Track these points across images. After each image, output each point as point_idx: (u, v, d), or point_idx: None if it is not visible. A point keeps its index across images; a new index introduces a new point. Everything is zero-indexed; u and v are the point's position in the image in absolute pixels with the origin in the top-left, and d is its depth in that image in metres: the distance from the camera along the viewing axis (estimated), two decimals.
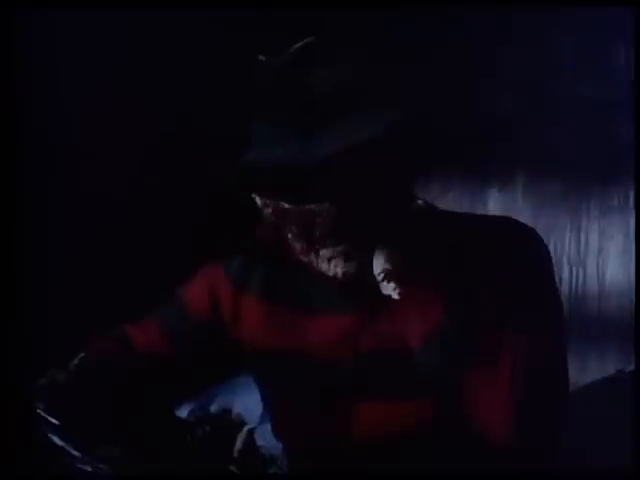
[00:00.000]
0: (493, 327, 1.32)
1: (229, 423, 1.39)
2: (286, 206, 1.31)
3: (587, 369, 2.39)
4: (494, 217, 1.53)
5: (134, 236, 2.41)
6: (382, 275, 1.32)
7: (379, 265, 1.33)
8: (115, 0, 2.31)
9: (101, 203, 2.39)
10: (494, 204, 2.54)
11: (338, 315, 1.44)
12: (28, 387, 1.42)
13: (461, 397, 1.31)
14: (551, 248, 2.35)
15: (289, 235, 1.35)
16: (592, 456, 1.88)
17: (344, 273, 1.34)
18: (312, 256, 1.35)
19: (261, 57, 1.34)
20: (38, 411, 1.35)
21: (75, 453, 1.32)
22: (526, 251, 1.40)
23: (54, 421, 1.34)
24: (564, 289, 2.42)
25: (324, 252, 1.34)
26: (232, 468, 1.35)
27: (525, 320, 1.34)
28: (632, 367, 2.13)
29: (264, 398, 1.52)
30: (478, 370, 1.30)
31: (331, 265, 1.34)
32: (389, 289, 1.33)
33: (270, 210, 1.35)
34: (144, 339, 1.56)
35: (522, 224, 1.45)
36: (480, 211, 2.51)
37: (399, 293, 1.32)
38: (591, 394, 2.21)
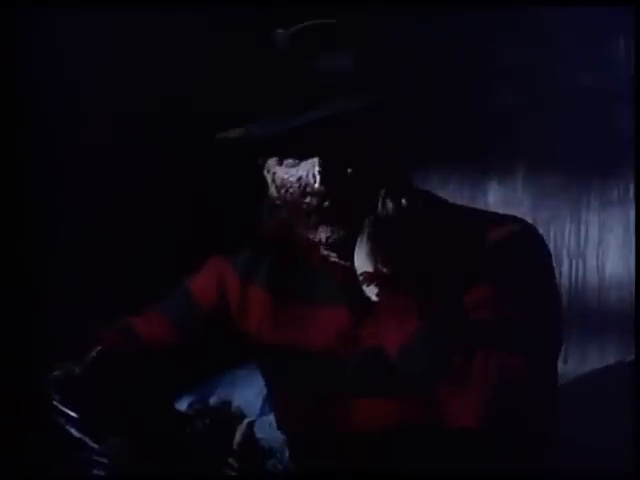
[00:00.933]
0: (470, 335, 1.32)
1: (229, 416, 1.39)
2: (284, 175, 1.38)
3: (587, 361, 2.39)
4: (495, 214, 1.52)
5: (138, 230, 2.42)
6: (362, 277, 1.35)
7: (360, 266, 1.35)
8: (115, 0, 2.31)
9: (105, 197, 2.39)
10: (494, 196, 2.53)
11: (337, 308, 1.45)
12: (29, 383, 1.42)
13: (437, 399, 1.32)
14: (551, 240, 2.37)
15: (285, 206, 1.41)
16: (591, 448, 1.88)
17: (327, 238, 1.38)
18: (303, 225, 1.40)
19: (279, 31, 1.41)
20: (54, 403, 1.35)
21: (93, 445, 1.32)
22: (526, 252, 1.41)
23: (72, 414, 1.34)
24: (564, 282, 2.42)
25: (312, 219, 1.38)
26: (231, 461, 1.36)
27: (518, 322, 1.34)
28: (632, 359, 2.13)
29: (268, 389, 1.53)
30: (453, 378, 1.30)
31: (317, 231, 1.38)
32: (369, 291, 1.35)
33: (274, 187, 1.41)
34: (150, 330, 1.57)
35: (524, 222, 1.45)
36: (480, 203, 2.51)
37: (377, 295, 1.33)
38: (591, 386, 2.21)
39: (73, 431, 1.33)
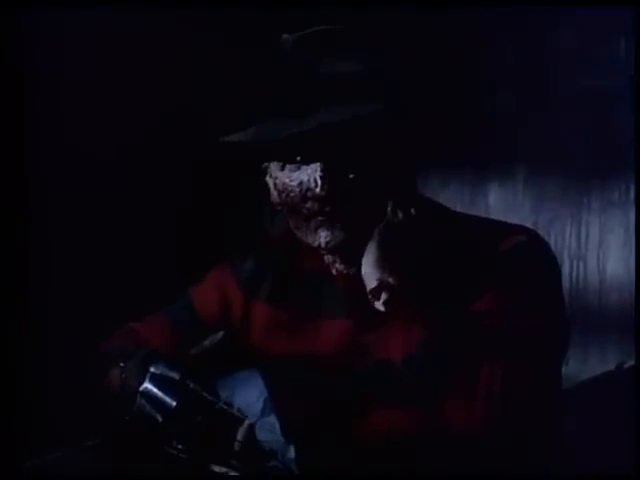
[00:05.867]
0: (476, 343, 1.32)
1: (229, 417, 1.39)
2: (285, 180, 1.38)
3: (588, 362, 2.40)
4: (502, 223, 1.52)
5: (142, 236, 2.42)
6: (370, 292, 1.35)
7: (368, 276, 1.36)
8: (116, 0, 2.32)
9: (107, 202, 2.39)
10: (494, 198, 2.54)
11: (341, 318, 1.46)
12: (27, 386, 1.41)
13: (441, 408, 1.32)
14: (552, 242, 2.37)
15: (286, 210, 1.41)
16: (592, 449, 1.88)
17: (327, 242, 1.38)
18: (303, 229, 1.40)
19: (285, 35, 1.41)
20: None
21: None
22: (533, 262, 1.40)
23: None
24: (565, 283, 2.42)
25: (312, 222, 1.38)
26: (232, 462, 1.36)
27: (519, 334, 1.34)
28: (633, 361, 2.14)
29: (270, 396, 1.52)
30: (458, 386, 1.31)
31: (317, 235, 1.39)
32: (377, 303, 1.35)
33: (276, 192, 1.41)
34: (152, 334, 1.56)
35: (531, 231, 1.46)
36: (481, 205, 2.51)
37: (385, 305, 1.34)
38: (592, 389, 2.22)
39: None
